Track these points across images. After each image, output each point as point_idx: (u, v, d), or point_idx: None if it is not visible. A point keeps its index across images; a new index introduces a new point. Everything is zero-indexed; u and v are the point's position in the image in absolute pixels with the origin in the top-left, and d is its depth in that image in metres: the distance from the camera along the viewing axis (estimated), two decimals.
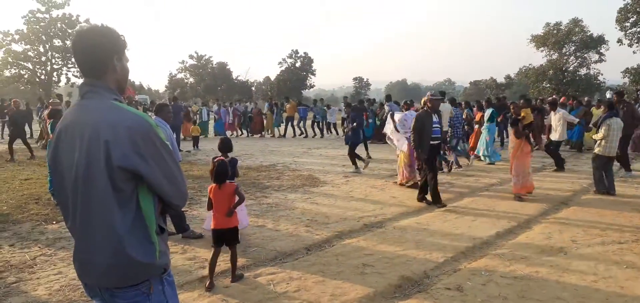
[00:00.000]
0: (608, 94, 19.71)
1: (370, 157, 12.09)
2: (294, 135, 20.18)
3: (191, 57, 60.68)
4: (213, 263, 4.21)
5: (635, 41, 34.15)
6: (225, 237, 4.23)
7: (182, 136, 16.42)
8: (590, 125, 12.41)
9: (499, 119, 12.39)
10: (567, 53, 41.18)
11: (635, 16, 33.41)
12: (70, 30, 41.90)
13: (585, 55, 40.66)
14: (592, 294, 3.98)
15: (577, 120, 11.88)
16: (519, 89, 54.90)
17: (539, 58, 44.92)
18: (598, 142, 7.93)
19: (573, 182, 8.89)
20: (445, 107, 11.45)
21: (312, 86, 61.35)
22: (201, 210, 6.93)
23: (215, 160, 4.42)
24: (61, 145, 1.75)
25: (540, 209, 6.98)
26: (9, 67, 41.82)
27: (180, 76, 61.61)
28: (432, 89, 13.34)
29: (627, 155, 9.98)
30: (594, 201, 7.46)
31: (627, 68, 35.37)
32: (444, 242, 5.41)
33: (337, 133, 20.11)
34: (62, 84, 45.37)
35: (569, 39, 40.19)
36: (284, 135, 20.10)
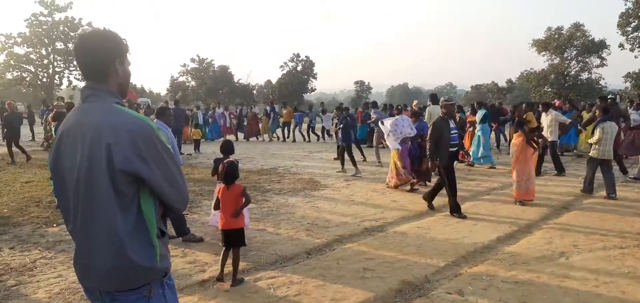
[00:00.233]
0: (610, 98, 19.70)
1: (364, 159, 12.64)
2: (288, 140, 20.24)
3: (193, 60, 60.79)
4: (224, 259, 4.38)
5: (637, 45, 34.12)
6: (231, 238, 4.31)
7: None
8: (579, 127, 12.61)
9: (495, 125, 12.42)
10: (569, 57, 41.20)
11: (636, 21, 33.40)
12: (72, 34, 42.14)
13: (587, 59, 40.68)
14: (594, 299, 3.96)
15: (569, 121, 11.98)
16: (520, 93, 54.96)
17: (540, 62, 44.86)
18: (593, 145, 8.23)
19: (574, 187, 8.87)
20: (435, 110, 11.55)
21: (313, 90, 61.41)
22: (202, 214, 6.93)
23: (225, 162, 4.52)
24: (63, 148, 1.75)
25: (542, 214, 6.96)
26: (11, 70, 42.01)
27: (181, 79, 61.70)
28: (434, 93, 13.35)
29: (620, 157, 10.30)
30: (596, 206, 7.45)
31: (629, 73, 35.32)
32: (445, 246, 5.40)
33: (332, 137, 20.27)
34: (64, 87, 45.53)
35: (571, 44, 40.20)
36: (284, 139, 20.29)
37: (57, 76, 43.95)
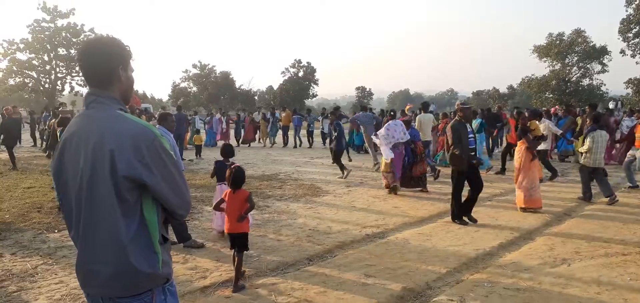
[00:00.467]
0: (611, 105, 19.68)
1: (350, 160, 13.01)
2: (289, 145, 20.21)
3: (195, 66, 60.92)
4: (236, 263, 4.37)
5: (638, 51, 34.14)
6: (236, 242, 4.36)
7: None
8: (572, 139, 12.68)
9: (495, 132, 12.44)
10: (570, 63, 41.24)
11: (637, 27, 33.44)
12: (75, 40, 42.22)
13: (588, 65, 40.72)
14: None
15: (560, 132, 12.07)
16: (521, 99, 54.95)
17: (541, 68, 44.93)
18: (583, 154, 8.40)
19: (576, 193, 8.84)
20: (428, 118, 11.57)
21: (314, 95, 61.48)
22: (203, 220, 6.94)
23: (232, 166, 4.55)
24: (66, 154, 1.76)
25: (543, 220, 6.95)
26: (13, 76, 42.11)
27: (183, 85, 61.83)
28: (426, 101, 13.44)
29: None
30: (597, 212, 7.43)
31: (630, 79, 35.37)
32: (447, 253, 5.39)
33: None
34: (66, 93, 45.61)
35: (572, 50, 40.25)
36: (286, 144, 20.26)
37: (59, 82, 44.00)
